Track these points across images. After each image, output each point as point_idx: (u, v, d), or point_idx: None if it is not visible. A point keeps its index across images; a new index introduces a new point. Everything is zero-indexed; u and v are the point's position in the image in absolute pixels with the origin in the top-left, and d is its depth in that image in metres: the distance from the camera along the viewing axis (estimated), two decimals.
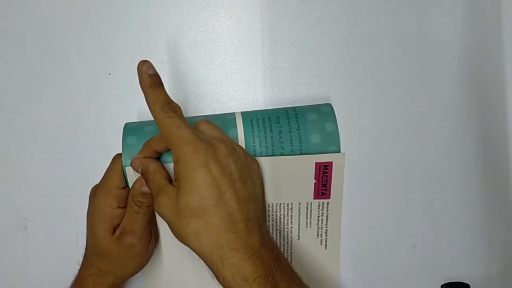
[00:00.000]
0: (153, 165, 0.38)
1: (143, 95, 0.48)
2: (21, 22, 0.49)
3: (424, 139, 0.48)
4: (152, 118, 0.42)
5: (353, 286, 0.48)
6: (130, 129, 0.42)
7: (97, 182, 0.42)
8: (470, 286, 0.47)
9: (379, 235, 0.48)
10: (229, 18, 0.49)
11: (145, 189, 0.39)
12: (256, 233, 0.35)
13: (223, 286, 0.34)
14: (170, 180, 0.37)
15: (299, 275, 0.37)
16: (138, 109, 0.48)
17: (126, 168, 0.40)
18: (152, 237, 0.42)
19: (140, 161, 0.38)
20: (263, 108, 0.48)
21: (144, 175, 0.38)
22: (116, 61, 0.48)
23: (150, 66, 0.36)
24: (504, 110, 0.48)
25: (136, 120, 0.47)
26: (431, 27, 0.48)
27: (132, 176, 0.41)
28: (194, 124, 0.39)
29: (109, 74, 0.48)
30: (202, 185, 0.34)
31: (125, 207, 0.40)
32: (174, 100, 0.48)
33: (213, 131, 0.38)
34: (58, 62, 0.48)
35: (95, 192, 0.41)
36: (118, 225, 0.40)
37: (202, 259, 0.35)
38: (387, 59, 0.48)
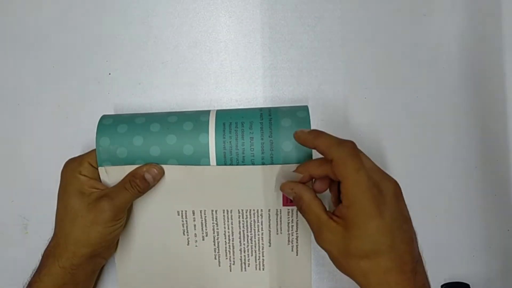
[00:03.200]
0: (307, 195, 0.38)
1: (142, 95, 0.48)
2: (21, 22, 0.49)
3: (424, 139, 0.48)
4: (128, 112, 0.44)
5: (353, 286, 0.48)
6: (103, 128, 0.42)
7: None
8: (470, 286, 0.47)
9: None
10: (229, 18, 0.49)
11: (148, 176, 0.40)
12: (421, 274, 0.36)
13: None
14: (325, 210, 0.37)
15: None
16: (138, 110, 0.48)
17: (99, 168, 0.42)
18: (124, 217, 0.42)
19: (292, 188, 0.39)
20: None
21: (296, 202, 0.39)
22: (116, 61, 0.48)
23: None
24: (504, 110, 0.48)
25: None
26: (431, 27, 0.48)
27: (104, 175, 0.42)
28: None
29: (109, 74, 0.48)
30: (376, 233, 0.35)
31: (92, 178, 0.42)
32: (173, 102, 0.48)
33: (373, 166, 0.38)
34: (58, 62, 0.48)
35: (69, 159, 0.43)
36: (86, 193, 0.41)
37: None
38: (387, 59, 0.48)
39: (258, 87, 0.48)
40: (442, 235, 0.48)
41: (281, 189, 0.40)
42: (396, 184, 0.37)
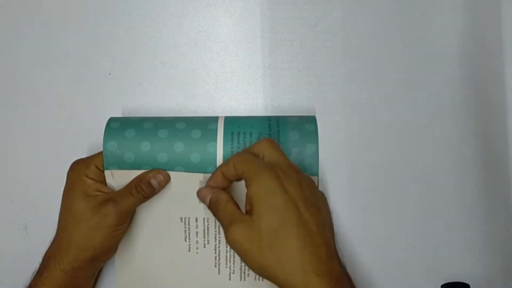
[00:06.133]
0: (224, 196, 0.38)
1: (142, 95, 0.48)
2: (21, 22, 0.49)
3: (424, 139, 0.48)
4: (136, 115, 0.43)
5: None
6: (111, 132, 0.42)
7: None
8: (470, 286, 0.47)
9: (378, 235, 0.48)
10: (229, 18, 0.49)
11: (154, 182, 0.40)
12: (336, 260, 0.35)
13: None
14: (239, 208, 0.37)
15: None
16: (138, 109, 0.48)
17: (105, 171, 0.42)
18: (127, 222, 0.42)
19: (211, 189, 0.38)
20: (262, 108, 0.48)
21: (213, 204, 0.38)
22: (116, 61, 0.48)
23: None
24: (504, 110, 0.48)
25: None
26: (431, 27, 0.48)
27: (110, 178, 0.42)
28: (260, 142, 0.39)
29: (109, 74, 0.48)
30: (282, 205, 0.34)
31: (99, 181, 0.41)
32: (173, 102, 0.48)
33: (279, 156, 0.38)
34: (58, 62, 0.48)
35: (76, 161, 0.43)
36: (91, 196, 0.41)
37: None
38: (387, 59, 0.48)
39: (258, 87, 0.48)
40: (442, 235, 0.48)
41: (199, 193, 0.39)
42: (301, 175, 0.37)
